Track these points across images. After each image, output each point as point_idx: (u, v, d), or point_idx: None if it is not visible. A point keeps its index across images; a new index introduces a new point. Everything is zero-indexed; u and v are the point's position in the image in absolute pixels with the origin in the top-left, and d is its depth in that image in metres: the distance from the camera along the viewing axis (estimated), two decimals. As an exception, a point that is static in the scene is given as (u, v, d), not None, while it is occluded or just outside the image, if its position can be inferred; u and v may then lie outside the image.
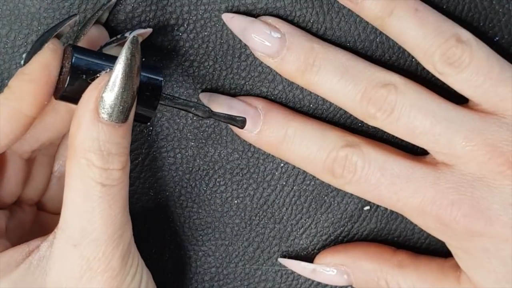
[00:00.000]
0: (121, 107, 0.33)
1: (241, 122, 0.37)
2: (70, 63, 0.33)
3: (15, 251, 0.35)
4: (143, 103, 0.34)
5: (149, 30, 0.37)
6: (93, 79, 0.33)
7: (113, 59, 0.34)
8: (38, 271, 0.34)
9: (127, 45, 0.32)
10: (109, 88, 0.32)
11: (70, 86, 0.33)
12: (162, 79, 0.35)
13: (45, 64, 0.33)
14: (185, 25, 0.38)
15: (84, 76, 0.33)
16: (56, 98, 0.34)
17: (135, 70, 0.33)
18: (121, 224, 0.34)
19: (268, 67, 0.39)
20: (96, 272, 0.34)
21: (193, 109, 0.36)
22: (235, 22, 0.38)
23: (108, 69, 0.34)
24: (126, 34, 0.37)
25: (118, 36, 0.37)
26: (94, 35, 0.37)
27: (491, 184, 0.36)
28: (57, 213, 0.40)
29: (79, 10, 0.37)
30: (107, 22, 0.38)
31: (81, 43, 0.36)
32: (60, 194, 0.39)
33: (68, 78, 0.33)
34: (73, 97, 0.34)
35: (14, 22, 0.37)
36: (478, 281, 0.37)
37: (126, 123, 0.33)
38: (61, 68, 0.34)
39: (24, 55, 0.38)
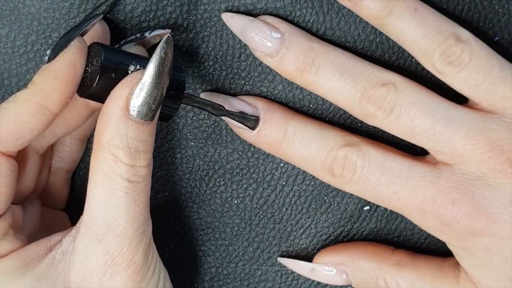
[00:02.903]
0: (152, 106, 0.33)
1: (253, 121, 0.38)
2: (99, 61, 0.33)
3: (36, 245, 0.35)
4: (167, 102, 0.35)
5: (168, 30, 0.38)
6: (120, 78, 0.33)
7: (140, 58, 0.34)
8: (62, 265, 0.34)
9: (161, 44, 0.33)
10: (141, 86, 0.33)
11: (99, 85, 0.33)
12: (184, 78, 0.35)
13: (71, 61, 0.34)
14: (185, 25, 0.38)
15: (113, 74, 0.34)
16: (81, 96, 0.35)
17: (166, 69, 0.33)
18: (144, 220, 0.34)
19: (268, 67, 0.39)
20: (120, 267, 0.34)
21: (209, 107, 0.37)
22: (234, 22, 0.38)
23: (137, 67, 0.34)
24: (146, 34, 0.38)
25: (138, 35, 0.38)
26: (97, 29, 0.37)
27: (492, 182, 0.36)
28: (51, 207, 0.40)
29: (79, 10, 0.37)
30: (107, 23, 0.38)
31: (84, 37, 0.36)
32: (55, 189, 0.40)
33: (98, 76, 0.33)
34: (99, 95, 0.34)
35: (14, 22, 0.37)
36: (479, 280, 0.37)
37: (153, 121, 0.34)
38: (86, 66, 0.34)
39: (48, 52, 0.38)
